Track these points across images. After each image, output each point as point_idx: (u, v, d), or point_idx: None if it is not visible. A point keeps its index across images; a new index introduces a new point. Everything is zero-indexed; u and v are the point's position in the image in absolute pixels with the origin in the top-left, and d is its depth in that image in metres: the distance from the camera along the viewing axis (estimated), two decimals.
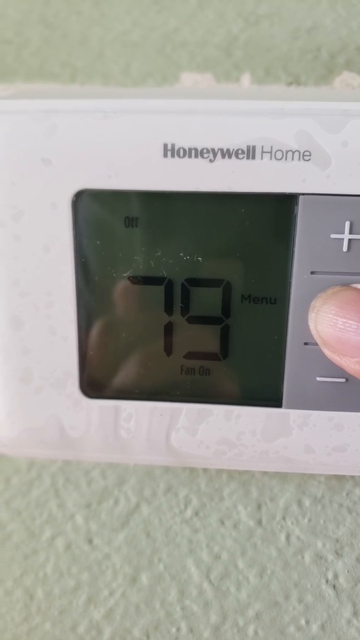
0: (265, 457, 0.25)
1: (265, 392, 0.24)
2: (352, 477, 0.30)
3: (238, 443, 0.25)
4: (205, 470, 0.30)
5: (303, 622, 0.31)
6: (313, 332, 0.22)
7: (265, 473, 0.30)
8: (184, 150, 0.21)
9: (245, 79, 0.29)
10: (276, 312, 0.23)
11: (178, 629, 0.31)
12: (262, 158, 0.21)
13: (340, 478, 0.30)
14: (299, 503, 0.31)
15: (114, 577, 0.31)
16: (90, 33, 0.29)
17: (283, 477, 0.30)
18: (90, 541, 0.31)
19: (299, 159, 0.21)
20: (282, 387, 0.24)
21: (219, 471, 0.30)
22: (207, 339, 0.24)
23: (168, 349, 0.24)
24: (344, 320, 0.20)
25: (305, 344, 0.23)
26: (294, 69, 0.29)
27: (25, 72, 0.30)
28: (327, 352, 0.22)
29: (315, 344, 0.22)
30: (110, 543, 0.31)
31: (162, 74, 0.29)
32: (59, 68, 0.30)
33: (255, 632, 0.31)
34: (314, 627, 0.31)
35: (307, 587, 0.31)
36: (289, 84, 0.29)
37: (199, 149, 0.21)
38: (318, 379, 0.23)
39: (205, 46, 0.29)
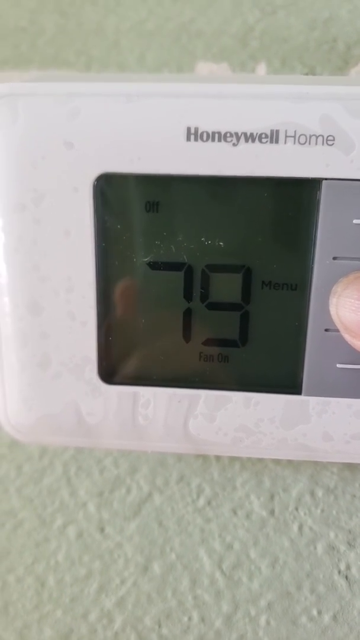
0: (283, 445, 0.25)
1: (285, 379, 0.24)
2: None
3: (256, 430, 0.25)
4: (218, 459, 0.30)
5: (315, 612, 0.31)
6: (334, 317, 0.22)
7: (278, 463, 0.30)
8: (207, 134, 0.21)
9: (261, 70, 0.29)
10: (297, 298, 0.23)
11: (190, 618, 0.31)
12: (285, 142, 0.21)
13: (353, 469, 0.30)
14: (312, 493, 0.31)
15: (125, 566, 0.31)
16: (105, 22, 0.29)
17: (296, 467, 0.30)
18: (102, 530, 0.31)
19: (323, 144, 0.21)
20: (302, 374, 0.24)
21: (232, 461, 0.30)
22: (226, 325, 0.24)
23: (187, 336, 0.24)
24: None
25: (326, 330, 0.23)
26: (310, 60, 0.29)
27: (40, 60, 0.30)
28: (348, 337, 0.22)
29: (336, 330, 0.22)
30: (122, 532, 0.31)
31: (177, 63, 0.29)
32: (74, 57, 0.30)
33: (267, 622, 0.31)
34: (326, 618, 0.31)
35: (320, 578, 0.31)
36: (305, 74, 0.29)
37: (223, 133, 0.21)
38: (338, 365, 0.23)
39: (221, 36, 0.29)
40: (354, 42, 0.29)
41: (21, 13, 0.30)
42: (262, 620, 0.31)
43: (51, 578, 0.32)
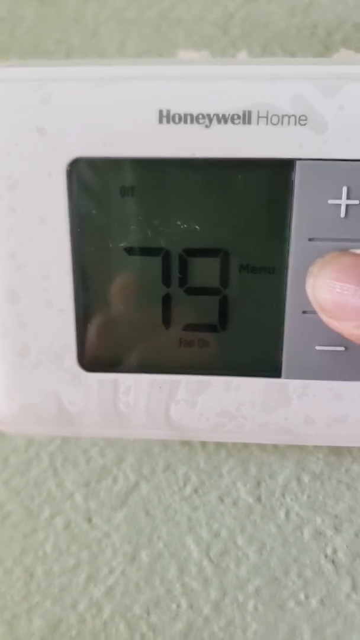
0: (265, 429, 0.25)
1: (264, 363, 0.24)
2: (351, 453, 0.30)
3: (238, 415, 0.25)
4: (204, 447, 0.30)
5: (302, 597, 0.31)
6: (311, 298, 0.22)
7: (264, 449, 0.30)
8: (180, 116, 0.21)
9: (242, 57, 0.29)
10: (274, 281, 0.23)
11: (178, 606, 0.31)
12: (258, 123, 0.21)
13: (339, 454, 0.30)
14: (298, 479, 0.31)
15: (113, 556, 0.31)
16: (85, 10, 0.29)
17: (282, 453, 0.30)
18: (89, 520, 0.31)
19: (295, 124, 0.21)
20: (281, 357, 0.24)
21: (218, 448, 0.30)
22: (205, 310, 0.24)
23: (166, 321, 0.24)
24: (342, 284, 0.20)
25: (304, 312, 0.23)
26: (291, 46, 0.29)
27: (19, 50, 0.30)
28: (325, 317, 0.22)
29: (314, 312, 0.22)
30: (109, 521, 0.31)
31: (158, 51, 0.29)
32: (53, 45, 0.29)
33: (255, 608, 0.31)
34: (314, 602, 0.31)
35: (307, 563, 0.31)
36: None
37: (195, 115, 0.21)
38: (317, 347, 0.23)
39: (201, 23, 0.29)
40: (335, 27, 0.29)
41: (0, 2, 0.29)
42: (250, 605, 0.31)
43: (39, 569, 0.32)
